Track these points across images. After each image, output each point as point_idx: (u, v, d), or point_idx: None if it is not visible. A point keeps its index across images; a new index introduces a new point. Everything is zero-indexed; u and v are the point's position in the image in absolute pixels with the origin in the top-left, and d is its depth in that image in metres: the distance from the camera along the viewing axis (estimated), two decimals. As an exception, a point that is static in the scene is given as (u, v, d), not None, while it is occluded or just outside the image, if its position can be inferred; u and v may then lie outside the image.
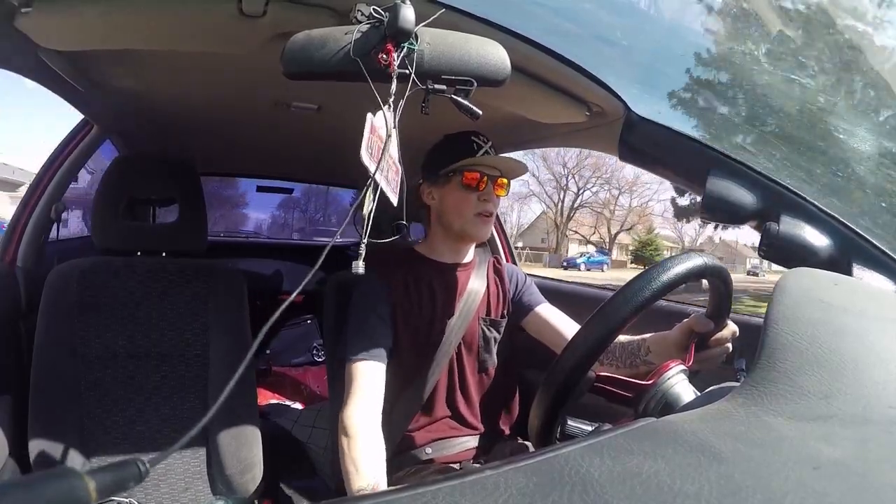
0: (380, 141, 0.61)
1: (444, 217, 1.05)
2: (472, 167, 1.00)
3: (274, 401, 1.98)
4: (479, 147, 1.00)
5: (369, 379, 0.92)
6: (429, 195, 1.05)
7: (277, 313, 0.42)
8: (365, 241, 0.58)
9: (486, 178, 1.00)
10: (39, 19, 0.77)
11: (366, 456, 0.83)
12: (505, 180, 1.03)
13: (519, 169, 1.03)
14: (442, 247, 1.07)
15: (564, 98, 0.99)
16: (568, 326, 1.06)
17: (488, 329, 1.09)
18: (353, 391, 0.90)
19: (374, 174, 0.59)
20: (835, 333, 0.49)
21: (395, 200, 0.64)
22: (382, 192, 0.61)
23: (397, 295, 1.02)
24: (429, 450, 1.03)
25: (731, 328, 0.76)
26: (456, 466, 1.02)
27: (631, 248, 32.45)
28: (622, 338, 0.93)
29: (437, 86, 0.64)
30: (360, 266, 0.58)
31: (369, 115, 0.60)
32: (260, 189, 2.59)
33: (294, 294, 0.46)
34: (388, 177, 0.63)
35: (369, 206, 0.58)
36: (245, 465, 1.10)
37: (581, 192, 30.63)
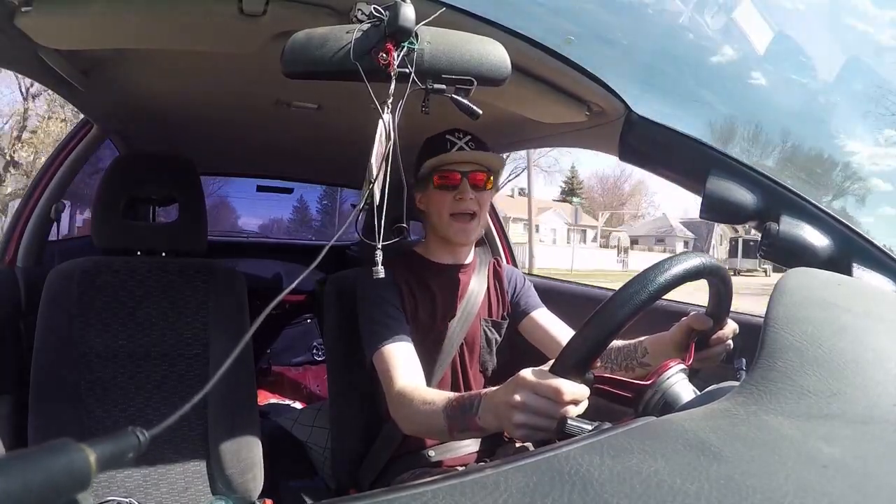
0: (381, 145, 0.61)
1: (430, 220, 1.04)
2: (442, 166, 0.97)
3: (274, 400, 1.98)
4: (452, 144, 0.97)
5: (404, 356, 0.91)
6: (419, 200, 1.04)
7: (270, 307, 0.42)
8: (380, 245, 0.59)
9: (460, 175, 0.97)
10: (39, 18, 0.76)
11: (430, 392, 0.81)
12: (492, 176, 1.00)
13: (497, 161, 1.00)
14: (438, 248, 1.06)
15: (564, 98, 0.98)
16: (563, 333, 1.04)
17: (490, 331, 1.08)
18: (392, 369, 0.88)
19: (374, 178, 0.59)
20: (835, 333, 0.49)
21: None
22: (382, 195, 0.61)
23: (402, 295, 1.01)
24: (432, 452, 1.02)
25: (732, 326, 0.75)
26: (460, 469, 1.01)
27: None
28: (618, 342, 0.92)
29: (437, 85, 0.64)
30: (380, 271, 0.58)
31: (381, 120, 0.61)
32: (260, 189, 2.58)
33: (285, 291, 0.46)
34: (387, 178, 0.63)
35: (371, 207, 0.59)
36: (245, 465, 1.09)
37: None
